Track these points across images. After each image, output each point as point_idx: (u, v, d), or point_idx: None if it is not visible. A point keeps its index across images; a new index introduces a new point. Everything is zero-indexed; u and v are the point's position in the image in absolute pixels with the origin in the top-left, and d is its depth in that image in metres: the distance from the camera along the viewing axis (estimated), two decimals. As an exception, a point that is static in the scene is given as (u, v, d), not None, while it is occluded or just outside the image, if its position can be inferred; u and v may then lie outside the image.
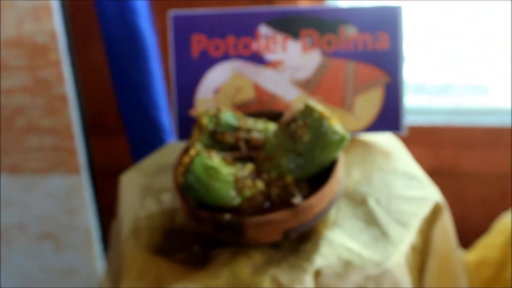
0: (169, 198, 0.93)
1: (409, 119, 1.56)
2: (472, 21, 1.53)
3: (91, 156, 1.38)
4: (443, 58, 1.59)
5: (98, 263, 1.40)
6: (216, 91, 0.99)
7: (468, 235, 1.38)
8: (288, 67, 0.99)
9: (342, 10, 0.98)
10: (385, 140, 1.01)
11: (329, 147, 0.82)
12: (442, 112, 1.60)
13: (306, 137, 0.81)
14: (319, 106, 0.83)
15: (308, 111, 0.83)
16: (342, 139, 0.82)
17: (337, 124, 0.82)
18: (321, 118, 0.82)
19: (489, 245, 1.15)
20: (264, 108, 0.99)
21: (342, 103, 0.99)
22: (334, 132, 0.82)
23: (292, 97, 0.98)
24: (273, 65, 0.99)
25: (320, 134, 0.81)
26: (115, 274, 0.92)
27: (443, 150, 1.58)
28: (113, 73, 1.26)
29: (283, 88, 0.99)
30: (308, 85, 0.99)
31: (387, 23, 0.97)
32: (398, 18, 0.97)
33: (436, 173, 1.58)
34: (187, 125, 0.97)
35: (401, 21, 0.98)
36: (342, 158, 0.85)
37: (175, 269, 0.82)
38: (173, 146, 1.06)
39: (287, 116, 0.85)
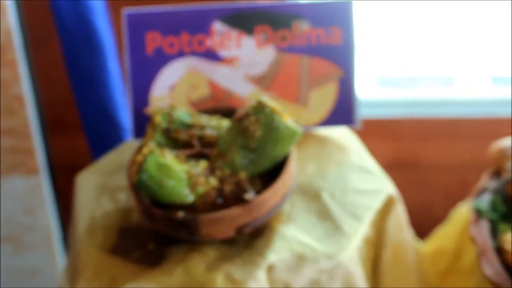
0: (124, 197, 0.94)
1: (370, 112, 1.58)
2: (439, 14, 1.55)
3: (51, 155, 1.37)
4: (410, 51, 1.60)
5: (60, 263, 1.40)
6: (172, 88, 1.00)
7: (430, 225, 1.40)
8: (243, 63, 0.99)
9: (295, 5, 0.99)
10: (341, 134, 1.02)
11: (281, 142, 0.83)
12: (402, 104, 1.62)
13: (258, 133, 0.82)
14: (270, 102, 0.83)
15: (259, 107, 0.83)
16: (293, 133, 0.83)
17: (288, 119, 0.83)
18: (272, 114, 0.83)
19: (445, 235, 1.17)
20: (219, 104, 0.99)
21: (297, 98, 1.00)
22: (286, 127, 0.83)
23: (247, 93, 0.99)
24: (228, 61, 0.99)
25: (272, 129, 0.82)
26: (72, 273, 0.92)
27: (404, 141, 1.60)
28: (70, 72, 1.25)
29: (238, 84, 0.99)
30: (263, 81, 0.99)
31: (339, 17, 0.98)
32: (350, 12, 0.99)
33: (397, 165, 1.61)
34: (143, 123, 0.97)
35: (353, 16, 0.99)
36: (294, 153, 0.86)
37: (130, 267, 0.82)
38: (130, 145, 1.06)
39: (239, 112, 0.85)
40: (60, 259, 1.40)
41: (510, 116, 1.51)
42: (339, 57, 0.99)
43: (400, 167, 1.62)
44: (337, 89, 0.99)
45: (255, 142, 0.82)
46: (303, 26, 0.98)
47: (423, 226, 1.38)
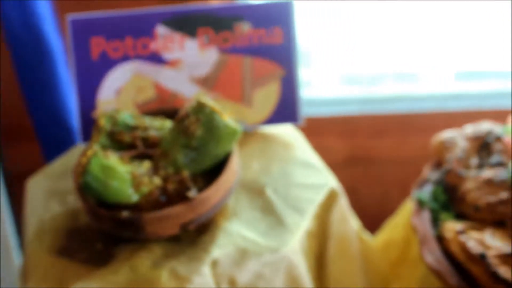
0: (73, 200, 0.95)
1: (325, 110, 1.62)
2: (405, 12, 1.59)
3: (4, 161, 1.38)
4: (376, 49, 1.64)
5: (17, 270, 1.40)
6: (118, 92, 1.01)
7: (387, 218, 1.44)
8: (187, 65, 1.01)
9: (236, 7, 1.01)
10: (285, 131, 1.05)
11: (222, 140, 0.85)
12: (357, 101, 1.65)
13: (199, 132, 0.84)
14: (210, 102, 0.86)
15: (199, 107, 0.86)
16: (234, 132, 0.86)
17: (228, 118, 0.86)
18: (212, 113, 0.85)
19: (395, 226, 1.20)
20: (165, 106, 1.01)
21: (241, 98, 1.02)
22: (226, 125, 0.85)
23: (192, 94, 1.01)
24: (172, 64, 1.01)
25: (212, 128, 0.85)
26: (23, 277, 0.93)
27: (359, 138, 1.63)
28: (21, 77, 1.26)
29: (182, 86, 1.01)
30: (207, 82, 1.01)
31: (280, 18, 1.01)
32: (290, 13, 1.01)
33: (353, 160, 1.64)
34: (90, 127, 0.99)
35: (294, 16, 1.01)
36: (236, 151, 0.88)
37: (77, 268, 0.84)
38: (79, 148, 1.07)
39: (180, 113, 0.88)
40: (17, 266, 1.40)
41: (460, 109, 1.55)
42: (281, 56, 1.01)
43: (357, 163, 1.66)
44: (280, 88, 1.02)
45: (196, 141, 0.85)
46: (244, 27, 1.01)
47: (380, 219, 1.42)
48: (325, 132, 1.63)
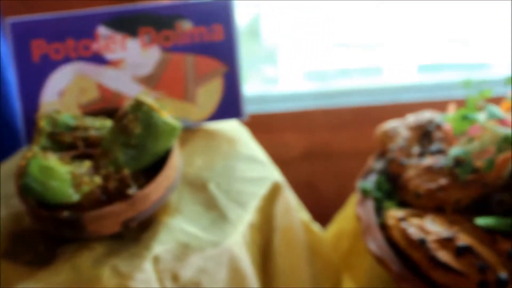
0: (17, 203, 0.95)
1: (282, 106, 1.63)
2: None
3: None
4: (340, 44, 1.66)
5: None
6: (61, 94, 1.01)
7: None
8: (129, 65, 1.02)
9: (177, 6, 1.02)
10: (230, 127, 1.05)
11: (161, 137, 0.86)
12: (312, 96, 1.67)
13: (138, 130, 0.85)
14: (148, 100, 0.86)
15: (137, 105, 0.86)
16: (173, 129, 0.86)
17: (168, 115, 0.86)
18: (150, 111, 0.85)
19: (345, 217, 1.22)
20: (108, 106, 1.01)
21: (185, 95, 1.03)
22: (164, 123, 0.85)
23: (135, 93, 1.01)
24: (114, 64, 1.02)
25: (150, 126, 0.85)
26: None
27: (316, 132, 1.65)
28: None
29: (126, 86, 1.02)
30: (150, 81, 1.02)
31: (220, 15, 1.02)
32: (231, 10, 1.02)
33: (311, 155, 1.66)
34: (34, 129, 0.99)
35: (234, 13, 1.02)
36: (177, 147, 0.89)
37: (20, 271, 0.83)
38: (24, 151, 1.07)
39: (119, 112, 0.88)
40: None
41: (415, 100, 1.58)
42: (223, 53, 1.02)
43: (314, 157, 1.67)
44: (222, 84, 1.03)
45: (135, 139, 0.85)
46: (185, 26, 1.01)
47: (337, 211, 1.43)
48: (283, 128, 1.65)
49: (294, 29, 1.63)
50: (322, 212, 1.41)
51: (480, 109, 0.99)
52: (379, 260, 0.94)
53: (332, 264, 1.16)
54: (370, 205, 1.02)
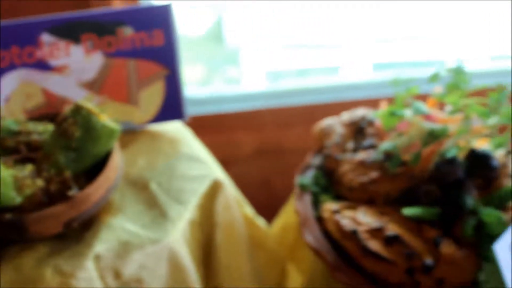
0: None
1: (234, 106, 1.66)
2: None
3: None
4: (301, 45, 1.69)
5: None
6: (6, 100, 1.03)
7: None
8: (73, 71, 1.03)
9: (118, 12, 1.04)
10: (173, 128, 1.08)
11: (100, 140, 0.88)
12: (263, 96, 1.70)
13: (77, 133, 0.87)
14: (87, 104, 0.88)
15: (77, 109, 0.88)
16: (112, 131, 0.88)
17: (106, 118, 0.89)
18: (89, 115, 0.87)
19: (289, 211, 1.25)
20: (54, 111, 1.03)
21: (128, 99, 1.05)
22: (103, 126, 0.88)
23: (80, 98, 1.03)
24: (59, 69, 1.03)
25: (89, 129, 0.87)
26: None
27: (267, 131, 1.68)
28: None
29: (70, 91, 1.03)
30: (94, 86, 1.04)
31: (160, 21, 1.04)
32: (170, 15, 1.04)
33: (262, 153, 1.69)
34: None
35: (173, 18, 1.04)
36: (117, 149, 0.91)
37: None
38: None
39: (60, 116, 0.90)
40: None
41: (357, 98, 1.61)
42: (163, 57, 1.04)
43: (265, 155, 1.70)
44: (164, 87, 1.05)
45: (75, 142, 0.87)
46: (126, 32, 1.03)
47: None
48: (234, 127, 1.67)
49: (256, 31, 1.66)
50: (276, 206, 1.44)
51: (407, 105, 1.03)
52: (316, 251, 0.97)
53: (277, 257, 1.19)
54: (307, 199, 1.05)
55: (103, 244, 0.86)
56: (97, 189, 0.86)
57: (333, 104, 1.65)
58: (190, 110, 1.45)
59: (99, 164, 0.89)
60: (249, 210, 1.14)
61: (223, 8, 1.68)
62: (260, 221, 1.17)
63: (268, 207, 1.42)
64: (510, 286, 0.77)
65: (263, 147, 1.68)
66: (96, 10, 1.04)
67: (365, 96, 1.63)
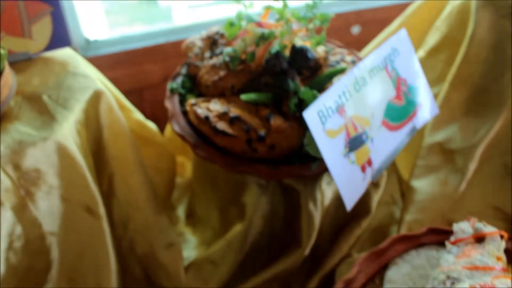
0: None
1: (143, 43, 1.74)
2: None
3: None
4: None
5: None
6: None
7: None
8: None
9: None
10: (63, 54, 1.18)
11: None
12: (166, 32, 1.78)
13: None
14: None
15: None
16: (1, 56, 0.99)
17: (-3, 47, 0.99)
18: (-21, 44, 0.98)
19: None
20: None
21: (23, 33, 1.15)
22: (-8, 52, 0.99)
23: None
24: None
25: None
26: None
27: (169, 61, 1.78)
28: None
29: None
30: (-7, 24, 1.14)
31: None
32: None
33: (167, 79, 1.79)
34: None
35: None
36: (7, 70, 1.02)
37: None
38: None
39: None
40: None
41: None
42: (46, -4, 1.14)
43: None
44: (51, 21, 1.15)
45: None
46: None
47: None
48: (143, 61, 1.78)
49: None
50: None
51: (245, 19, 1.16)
52: (181, 136, 1.11)
53: (168, 150, 1.33)
54: (176, 99, 1.18)
55: (1, 144, 0.97)
56: (-8, 104, 0.97)
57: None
58: (108, 50, 1.56)
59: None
60: (139, 115, 1.26)
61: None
62: (151, 124, 1.30)
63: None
64: (318, 143, 0.87)
65: (168, 75, 1.79)
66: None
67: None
